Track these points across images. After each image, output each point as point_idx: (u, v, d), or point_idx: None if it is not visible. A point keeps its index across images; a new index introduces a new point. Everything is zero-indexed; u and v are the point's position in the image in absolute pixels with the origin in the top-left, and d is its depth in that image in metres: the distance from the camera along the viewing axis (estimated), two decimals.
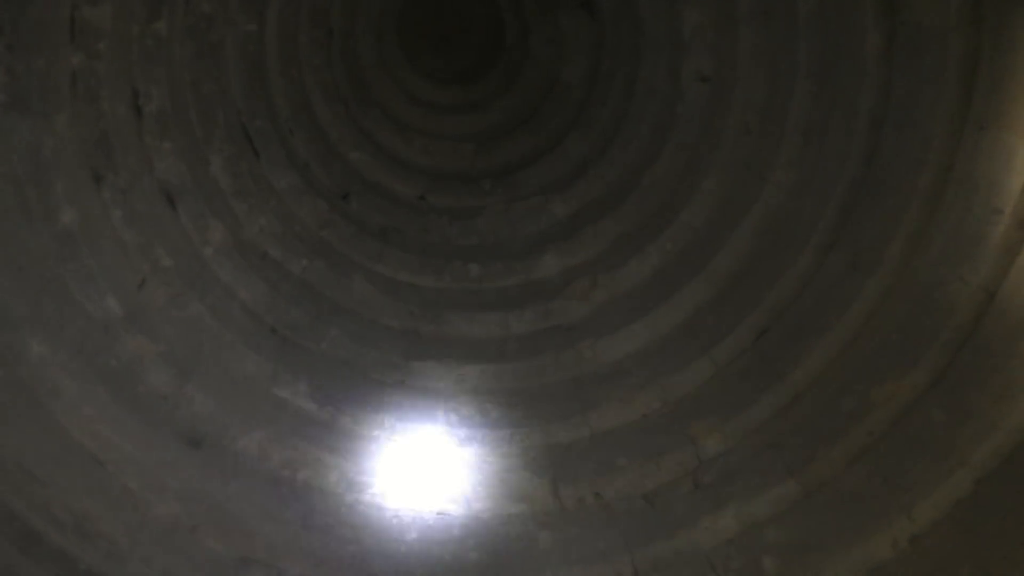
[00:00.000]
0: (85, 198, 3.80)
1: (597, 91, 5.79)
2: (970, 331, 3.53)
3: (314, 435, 4.28)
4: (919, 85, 3.82)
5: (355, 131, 5.78)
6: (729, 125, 4.82)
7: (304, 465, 4.16)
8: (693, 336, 4.65)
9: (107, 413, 3.65)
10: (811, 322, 4.24)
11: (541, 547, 4.07)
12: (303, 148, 5.32)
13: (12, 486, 3.22)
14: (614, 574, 3.92)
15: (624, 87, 5.52)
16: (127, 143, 4.04)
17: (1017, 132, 3.34)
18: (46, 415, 3.46)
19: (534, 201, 5.61)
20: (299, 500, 4.05)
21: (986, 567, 3.20)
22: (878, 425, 3.79)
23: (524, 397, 4.67)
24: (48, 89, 3.63)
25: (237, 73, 4.78)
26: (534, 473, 4.36)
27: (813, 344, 4.17)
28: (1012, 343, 3.34)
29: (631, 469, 4.26)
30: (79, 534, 3.33)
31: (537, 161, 5.87)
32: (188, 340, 4.14)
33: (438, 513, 4.19)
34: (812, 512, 3.81)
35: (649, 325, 4.79)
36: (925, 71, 3.79)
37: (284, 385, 4.38)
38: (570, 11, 6.03)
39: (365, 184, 5.59)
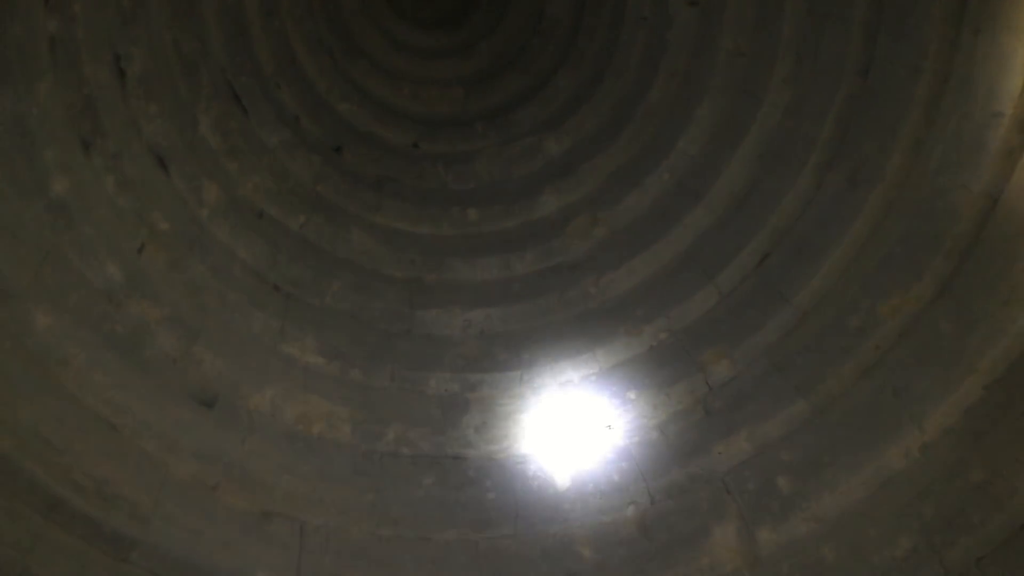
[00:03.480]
0: (76, 166, 3.75)
1: (584, 23, 5.67)
2: (974, 238, 3.51)
3: (325, 389, 4.30)
4: None
5: (343, 82, 5.68)
6: (721, 48, 4.73)
7: (317, 418, 4.18)
8: (696, 265, 4.63)
9: (117, 379, 3.65)
10: (813, 242, 4.22)
11: (558, 484, 4.12)
12: (291, 102, 5.23)
13: (31, 455, 3.24)
14: (631, 504, 3.98)
15: (612, 17, 5.40)
16: (113, 107, 3.97)
17: (1014, 33, 3.27)
18: (57, 384, 3.46)
19: (528, 141, 5.54)
20: (315, 453, 4.08)
21: (998, 469, 3.23)
22: (885, 339, 3.81)
23: (531, 337, 4.68)
24: (28, 57, 3.56)
25: (218, 29, 4.67)
26: (546, 412, 4.40)
27: (817, 264, 4.16)
28: (1017, 247, 3.33)
29: (642, 401, 4.30)
30: (101, 498, 3.36)
31: (529, 100, 5.78)
32: (192, 302, 4.13)
33: (453, 457, 4.24)
34: (823, 430, 3.85)
35: (652, 257, 4.77)
36: None
37: (291, 341, 4.38)
38: None
39: (357, 135, 5.51)
